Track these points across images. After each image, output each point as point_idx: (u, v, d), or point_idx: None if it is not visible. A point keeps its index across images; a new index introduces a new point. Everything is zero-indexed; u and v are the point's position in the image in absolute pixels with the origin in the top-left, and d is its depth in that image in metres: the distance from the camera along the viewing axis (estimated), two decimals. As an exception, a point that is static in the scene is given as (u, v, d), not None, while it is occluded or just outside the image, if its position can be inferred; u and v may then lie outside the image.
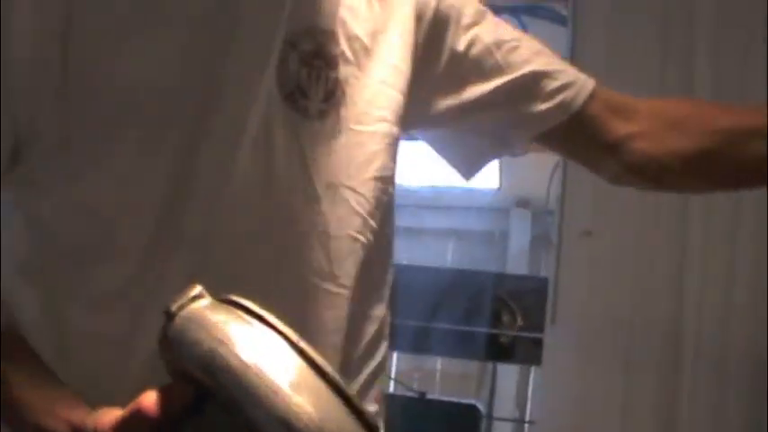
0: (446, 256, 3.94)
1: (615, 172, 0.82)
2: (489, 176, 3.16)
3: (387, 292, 0.76)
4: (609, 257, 1.70)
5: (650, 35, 1.69)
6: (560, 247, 1.77)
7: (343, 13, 0.70)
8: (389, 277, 0.77)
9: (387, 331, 0.76)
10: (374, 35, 0.72)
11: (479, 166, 0.84)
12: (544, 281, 1.98)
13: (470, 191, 3.27)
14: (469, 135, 0.82)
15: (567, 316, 1.74)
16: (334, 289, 0.68)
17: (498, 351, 2.48)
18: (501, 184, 3.34)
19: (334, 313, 0.68)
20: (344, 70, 0.70)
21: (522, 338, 2.38)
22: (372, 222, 0.71)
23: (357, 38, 0.71)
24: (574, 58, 1.68)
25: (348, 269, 0.69)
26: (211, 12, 0.64)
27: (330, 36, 0.69)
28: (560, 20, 1.88)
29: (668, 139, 0.79)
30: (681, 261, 1.65)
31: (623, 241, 1.68)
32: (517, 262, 3.82)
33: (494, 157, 0.83)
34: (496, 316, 2.42)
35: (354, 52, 0.71)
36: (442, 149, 0.85)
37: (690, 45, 1.65)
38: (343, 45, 0.70)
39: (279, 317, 0.46)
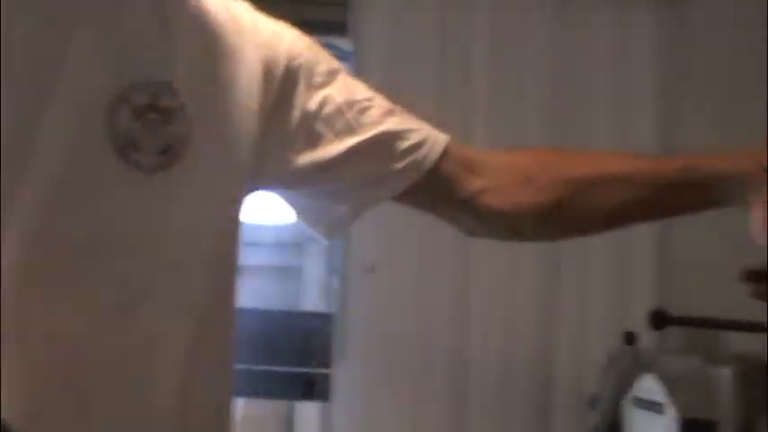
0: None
1: (471, 226, 0.84)
2: (284, 211, 3.13)
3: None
4: (393, 291, 1.73)
5: (428, 72, 1.76)
6: (346, 282, 1.79)
7: (183, 65, 0.69)
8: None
9: None
10: (218, 89, 0.71)
11: (340, 230, 0.84)
12: (331, 317, 1.99)
13: (263, 226, 3.23)
14: (328, 200, 0.81)
15: (354, 351, 1.75)
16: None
17: (291, 389, 2.46)
18: (297, 219, 3.33)
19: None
20: (183, 124, 0.68)
21: (313, 375, 2.36)
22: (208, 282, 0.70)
23: (198, 91, 0.70)
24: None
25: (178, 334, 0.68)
26: (37, 65, 0.64)
27: (166, 88, 0.67)
28: (344, 56, 1.92)
29: (517, 192, 0.81)
30: (464, 292, 1.71)
31: (407, 275, 1.72)
32: (311, 297, 3.81)
33: (354, 220, 0.82)
34: (288, 353, 2.40)
35: (195, 106, 0.69)
36: (302, 214, 0.84)
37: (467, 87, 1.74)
38: (183, 98, 0.68)
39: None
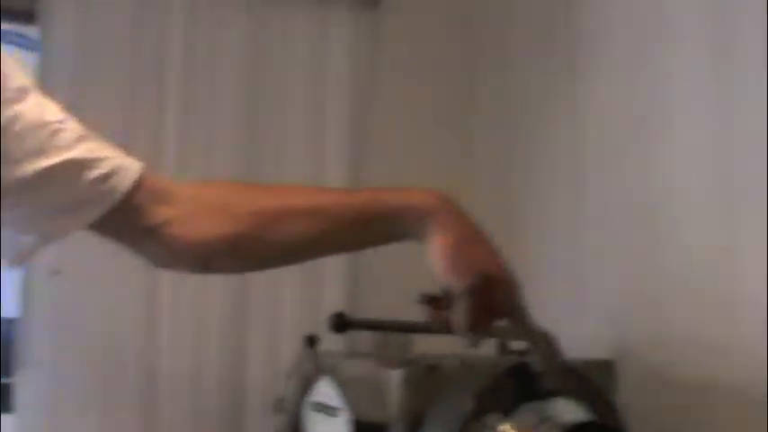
0: None
1: (159, 256, 0.83)
2: None
3: None
4: (78, 296, 1.65)
5: (119, 65, 1.69)
6: (27, 288, 1.68)
7: None
8: None
9: None
10: None
11: (26, 259, 0.78)
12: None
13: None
14: (13, 228, 0.76)
15: (38, 359, 1.65)
16: None
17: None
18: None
19: None
20: None
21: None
22: None
23: None
24: (44, 83, 1.62)
25: None
26: None
27: None
28: (31, 45, 1.83)
29: (203, 223, 0.80)
30: (152, 296, 1.66)
31: (93, 278, 1.65)
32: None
33: (40, 250, 0.77)
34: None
35: None
36: None
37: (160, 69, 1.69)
38: None
39: None
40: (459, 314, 0.82)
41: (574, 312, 1.54)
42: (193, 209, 0.81)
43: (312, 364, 1.26)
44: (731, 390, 1.21)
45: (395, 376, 1.06)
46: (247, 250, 0.83)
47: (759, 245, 1.18)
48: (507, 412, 0.95)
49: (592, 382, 1.01)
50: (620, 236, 1.48)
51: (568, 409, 0.97)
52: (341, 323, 1.08)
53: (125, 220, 0.78)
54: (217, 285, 1.67)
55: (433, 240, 0.82)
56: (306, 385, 1.27)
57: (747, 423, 1.18)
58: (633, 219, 1.45)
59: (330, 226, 0.83)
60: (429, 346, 1.11)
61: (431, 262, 0.83)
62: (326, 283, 1.72)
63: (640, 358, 1.33)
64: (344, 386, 1.13)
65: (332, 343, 1.58)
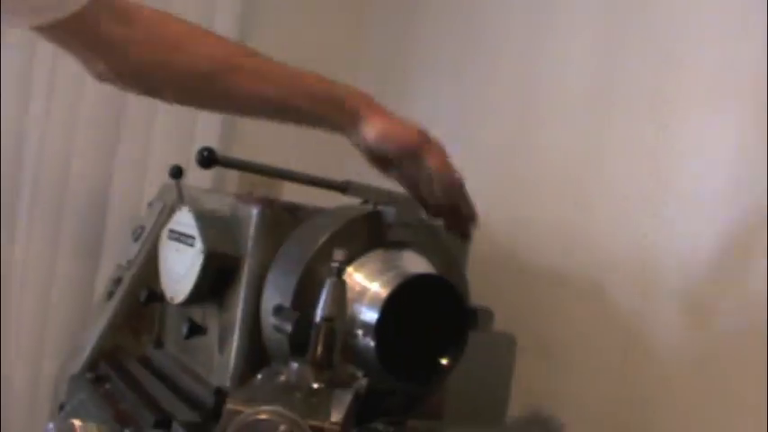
0: None
1: (104, 73, 0.85)
2: None
3: None
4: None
5: None
6: None
7: None
8: None
9: None
10: None
11: None
12: None
13: None
14: None
15: None
16: None
17: None
18: None
19: None
20: None
21: None
22: None
23: None
24: None
25: None
26: None
27: None
28: None
29: (157, 54, 0.84)
30: (23, 109, 1.61)
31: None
32: None
33: None
34: None
35: None
36: None
37: None
38: None
39: None
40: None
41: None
42: (150, 37, 0.83)
43: (175, 195, 1.25)
44: (577, 278, 1.28)
45: (253, 212, 1.07)
46: (194, 93, 0.89)
47: (621, 150, 1.24)
48: (355, 258, 0.99)
49: (443, 241, 1.06)
50: (495, 126, 1.52)
51: (415, 262, 1.02)
52: (208, 158, 1.06)
53: (79, 30, 0.79)
54: (91, 101, 1.62)
55: (367, 123, 0.93)
56: (166, 214, 1.28)
57: (578, 308, 1.27)
58: (509, 111, 1.49)
59: (276, 94, 0.91)
60: (297, 197, 1.13)
61: (365, 143, 0.95)
62: (201, 118, 1.70)
63: (496, 237, 1.39)
64: (203, 218, 1.13)
65: (201, 181, 1.58)
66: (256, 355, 1.02)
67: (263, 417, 0.66)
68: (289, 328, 0.89)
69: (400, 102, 1.77)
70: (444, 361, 0.98)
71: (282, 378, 0.79)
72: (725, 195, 1.07)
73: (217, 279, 1.10)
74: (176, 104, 1.02)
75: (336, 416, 0.69)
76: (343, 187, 1.09)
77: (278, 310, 0.95)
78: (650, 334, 1.15)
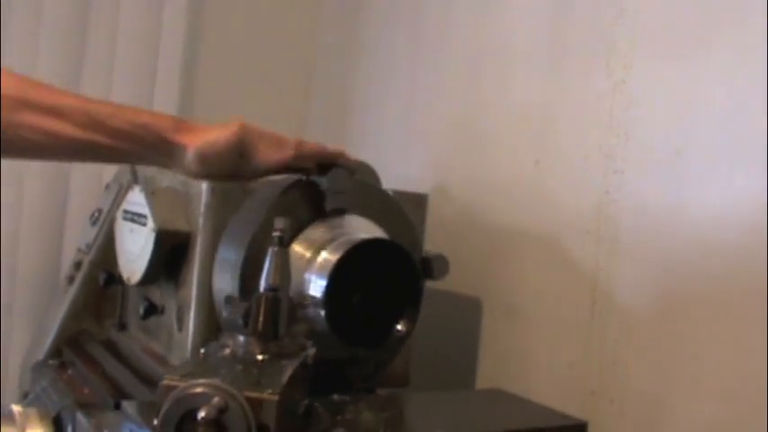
0: None
1: None
2: None
3: None
4: None
5: None
6: None
7: None
8: None
9: None
10: None
11: None
12: None
13: None
14: None
15: None
16: None
17: None
18: None
19: None
20: None
21: None
22: None
23: None
24: None
25: None
26: None
27: None
28: None
29: None
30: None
31: None
32: None
33: None
34: None
35: None
36: None
37: None
38: None
39: None
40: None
41: (402, 154, 1.58)
42: None
43: (128, 175, 1.24)
44: (540, 238, 1.27)
45: (203, 187, 1.06)
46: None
47: (577, 105, 1.22)
48: (300, 228, 0.97)
49: (393, 205, 1.05)
50: (450, 85, 1.50)
51: (365, 228, 1.00)
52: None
53: None
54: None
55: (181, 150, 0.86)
56: (122, 196, 1.26)
57: (542, 267, 1.26)
58: (464, 68, 1.47)
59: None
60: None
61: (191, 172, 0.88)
62: (157, 91, 1.68)
63: (455, 199, 1.38)
64: (155, 196, 1.12)
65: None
66: (214, 331, 1.01)
67: (197, 390, 0.65)
68: (240, 320, 0.88)
69: (358, 57, 1.79)
70: (400, 326, 0.97)
71: (227, 351, 0.78)
72: (683, 147, 1.06)
73: (170, 257, 1.09)
74: None
75: (276, 386, 0.68)
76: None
77: (228, 301, 0.94)
78: (616, 291, 1.15)
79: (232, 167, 0.89)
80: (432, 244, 1.16)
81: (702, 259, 1.02)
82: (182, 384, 0.66)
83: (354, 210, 1.00)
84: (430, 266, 1.01)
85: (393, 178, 1.20)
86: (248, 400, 0.65)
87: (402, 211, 1.05)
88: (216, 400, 0.64)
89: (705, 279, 1.02)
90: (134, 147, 0.84)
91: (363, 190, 1.02)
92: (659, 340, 1.07)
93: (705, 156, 1.03)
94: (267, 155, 0.90)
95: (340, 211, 0.98)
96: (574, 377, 1.18)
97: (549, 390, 1.19)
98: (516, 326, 1.28)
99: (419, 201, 1.19)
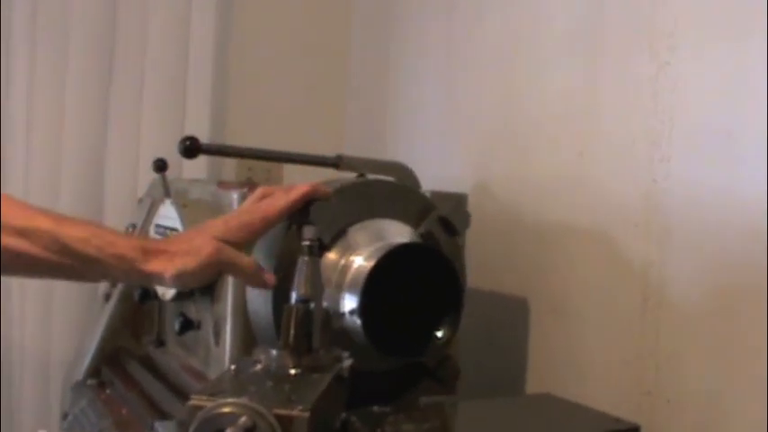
0: None
1: None
2: None
3: None
4: None
5: None
6: None
7: None
8: None
9: None
10: None
11: None
12: None
13: None
14: None
15: None
16: None
17: None
18: None
19: None
20: None
21: None
22: None
23: None
24: None
25: None
26: None
27: None
28: None
29: None
30: (8, 117, 1.60)
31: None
32: None
33: None
34: None
35: None
36: None
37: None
38: None
39: None
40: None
41: (440, 154, 1.55)
42: None
43: (160, 189, 1.23)
44: (587, 232, 1.23)
45: (233, 197, 1.05)
46: None
47: (620, 91, 1.19)
48: (338, 235, 0.96)
49: (428, 203, 1.02)
50: (486, 78, 1.47)
51: (397, 231, 0.98)
52: (191, 147, 1.04)
53: None
54: (74, 102, 1.61)
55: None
56: (153, 210, 1.26)
57: (590, 264, 1.22)
58: (499, 60, 1.44)
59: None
60: (297, 179, 1.10)
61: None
62: (189, 109, 1.68)
63: (497, 196, 1.35)
64: (186, 209, 1.11)
65: (198, 173, 1.56)
66: (251, 344, 0.99)
67: (224, 410, 0.63)
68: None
69: (392, 56, 1.76)
70: (441, 333, 0.94)
71: (259, 367, 0.76)
72: (733, 130, 1.02)
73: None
74: None
75: (307, 402, 0.66)
76: (335, 162, 1.06)
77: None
78: (669, 285, 1.10)
79: (213, 279, 0.91)
80: (474, 244, 1.13)
81: (760, 249, 0.98)
82: (209, 404, 0.64)
83: (389, 213, 0.98)
84: (449, 224, 1.00)
85: (432, 179, 1.17)
86: (278, 417, 0.63)
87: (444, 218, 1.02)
88: (243, 420, 0.62)
89: (764, 270, 0.97)
90: (107, 272, 0.85)
91: (399, 192, 1.00)
92: (716, 336, 1.03)
93: (758, 137, 0.98)
94: (245, 254, 0.91)
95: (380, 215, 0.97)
96: (628, 377, 1.14)
97: (603, 391, 1.15)
98: (566, 326, 1.24)
99: (459, 201, 1.16)
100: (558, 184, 1.29)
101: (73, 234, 0.83)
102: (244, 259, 0.89)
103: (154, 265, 0.84)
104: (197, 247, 0.86)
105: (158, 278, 0.85)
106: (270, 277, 0.91)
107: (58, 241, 0.82)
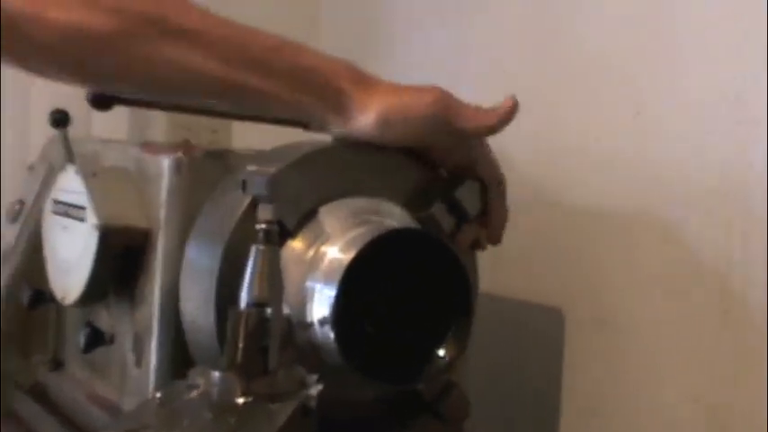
0: None
1: None
2: None
3: None
4: None
5: None
6: None
7: None
8: None
9: None
10: None
11: None
12: None
13: None
14: None
15: None
16: None
17: None
18: None
19: None
20: None
21: None
22: None
23: None
24: None
25: None
26: None
27: None
28: None
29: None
30: None
31: None
32: None
33: None
34: None
35: None
36: None
37: None
38: None
39: None
40: None
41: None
42: None
43: (59, 152, 1.25)
44: (647, 224, 1.27)
45: (164, 165, 1.07)
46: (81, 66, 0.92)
47: (703, 39, 1.21)
48: (305, 218, 0.98)
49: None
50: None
51: (389, 213, 1.01)
52: (102, 97, 1.06)
53: None
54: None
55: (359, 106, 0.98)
56: (49, 180, 1.27)
57: (648, 264, 1.25)
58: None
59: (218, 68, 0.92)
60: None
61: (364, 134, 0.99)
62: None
63: (529, 176, 1.38)
64: (97, 179, 1.13)
65: (111, 131, 1.57)
66: (185, 363, 1.00)
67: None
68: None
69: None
70: (443, 352, 0.97)
71: (195, 393, 0.78)
72: None
73: (121, 265, 1.10)
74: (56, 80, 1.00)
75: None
76: (305, 121, 1.09)
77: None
78: (755, 294, 1.13)
79: (419, 139, 1.00)
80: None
81: None
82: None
83: (376, 189, 1.01)
84: (458, 205, 1.05)
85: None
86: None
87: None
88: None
89: None
90: (294, 95, 0.95)
91: (389, 161, 1.03)
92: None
93: None
94: (472, 120, 1.01)
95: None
96: (700, 418, 1.17)
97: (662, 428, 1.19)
98: (613, 346, 1.28)
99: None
100: (604, 156, 1.32)
101: (264, 42, 0.94)
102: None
103: (362, 93, 0.97)
104: (417, 89, 1.00)
105: (362, 111, 0.97)
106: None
107: (241, 50, 0.92)
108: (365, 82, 0.97)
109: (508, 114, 1.03)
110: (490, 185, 1.08)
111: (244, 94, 0.94)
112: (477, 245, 1.10)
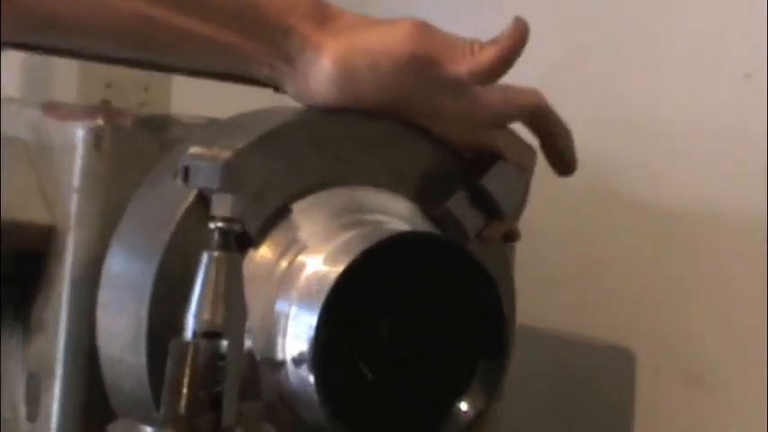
0: None
1: None
2: None
3: None
4: None
5: None
6: None
7: None
8: None
9: None
10: None
11: None
12: None
13: None
14: None
15: None
16: None
17: None
18: None
19: None
20: None
21: None
22: None
23: None
24: None
25: None
26: None
27: None
28: None
29: None
30: None
31: None
32: None
33: None
34: None
35: None
36: None
37: None
38: None
39: None
40: None
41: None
42: None
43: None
44: (729, 232, 1.30)
45: (77, 136, 1.06)
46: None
47: None
48: (273, 217, 0.98)
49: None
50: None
51: (392, 209, 1.02)
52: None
53: None
54: None
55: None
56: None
57: (752, 292, 1.26)
58: None
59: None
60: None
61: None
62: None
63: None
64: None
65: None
66: (102, 416, 0.99)
67: None
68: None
69: None
70: (464, 405, 0.97)
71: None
72: None
73: (14, 274, 1.09)
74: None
75: None
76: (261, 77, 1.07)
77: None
78: None
79: (394, 95, 0.97)
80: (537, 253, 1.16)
81: None
82: None
83: (372, 177, 1.01)
84: (488, 199, 1.02)
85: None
86: None
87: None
88: None
89: None
90: (231, 37, 0.95)
91: (391, 136, 1.03)
92: None
93: None
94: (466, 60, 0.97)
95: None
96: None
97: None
98: (701, 401, 1.29)
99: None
100: (699, 134, 1.32)
101: None
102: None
103: (321, 34, 0.95)
104: (389, 23, 0.97)
105: (314, 56, 0.96)
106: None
107: None
108: (326, 17, 0.97)
109: (514, 43, 0.97)
110: None
111: (168, 35, 0.96)
112: (510, 236, 1.09)
